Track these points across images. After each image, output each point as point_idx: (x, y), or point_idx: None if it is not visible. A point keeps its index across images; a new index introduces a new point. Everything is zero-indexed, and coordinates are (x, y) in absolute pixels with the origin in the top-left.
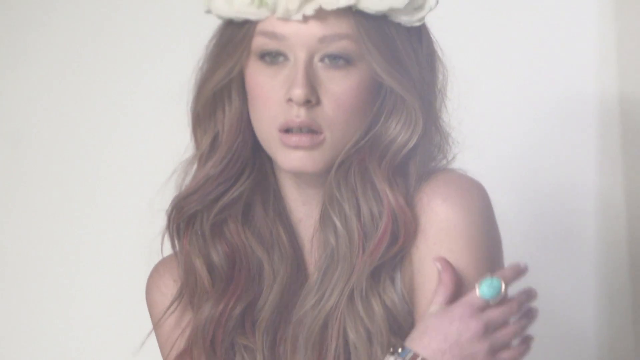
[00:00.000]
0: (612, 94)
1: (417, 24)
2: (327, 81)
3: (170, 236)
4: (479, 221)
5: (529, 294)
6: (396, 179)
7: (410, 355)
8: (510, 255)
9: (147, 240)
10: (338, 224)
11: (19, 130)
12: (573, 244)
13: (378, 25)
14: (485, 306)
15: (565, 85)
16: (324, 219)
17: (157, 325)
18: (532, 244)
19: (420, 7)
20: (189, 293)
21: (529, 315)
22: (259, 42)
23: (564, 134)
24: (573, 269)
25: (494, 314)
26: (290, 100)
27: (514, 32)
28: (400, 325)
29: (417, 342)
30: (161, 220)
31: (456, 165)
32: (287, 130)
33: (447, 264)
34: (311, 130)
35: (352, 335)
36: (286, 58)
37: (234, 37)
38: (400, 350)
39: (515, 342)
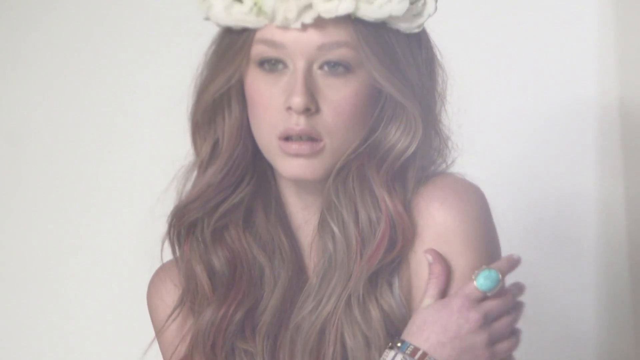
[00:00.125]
0: (612, 98)
1: (416, 30)
2: (326, 89)
3: (171, 243)
4: (476, 224)
5: (520, 288)
6: (395, 185)
7: (410, 349)
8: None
9: (148, 245)
10: (336, 230)
11: (19, 131)
12: (573, 249)
13: (377, 33)
14: (482, 298)
15: (565, 90)
16: (323, 225)
17: (159, 332)
18: (532, 249)
19: (419, 14)
20: (190, 299)
21: (518, 308)
22: (258, 50)
23: (564, 139)
24: (573, 274)
25: (492, 305)
26: (289, 108)
27: (513, 36)
28: (398, 329)
29: (417, 335)
30: (162, 226)
31: (456, 170)
32: (286, 138)
33: (438, 255)
34: (311, 138)
35: (349, 341)
36: (285, 65)
37: (233, 45)
38: (399, 344)
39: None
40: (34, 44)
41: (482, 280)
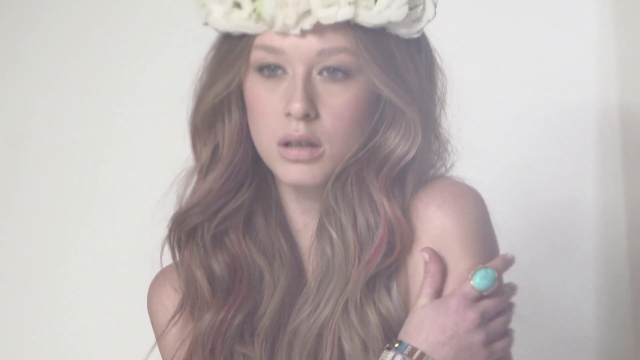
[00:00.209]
0: (613, 103)
1: (416, 35)
2: (326, 94)
3: (171, 247)
4: (475, 227)
5: (512, 288)
6: (393, 190)
7: (408, 349)
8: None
9: (148, 249)
10: (334, 234)
11: (18, 132)
12: (573, 253)
13: (376, 38)
14: (479, 297)
15: (566, 94)
16: (321, 230)
17: (159, 336)
18: (532, 253)
19: (418, 19)
20: (190, 303)
21: (510, 308)
22: (257, 56)
23: (564, 143)
24: (573, 277)
25: (489, 304)
26: (289, 114)
27: (513, 40)
28: (396, 333)
29: (415, 335)
30: (162, 230)
31: (456, 173)
32: (286, 143)
33: (434, 254)
34: (310, 143)
35: (347, 345)
36: (284, 71)
37: (232, 51)
38: (397, 345)
39: None
40: (34, 45)
41: (479, 280)
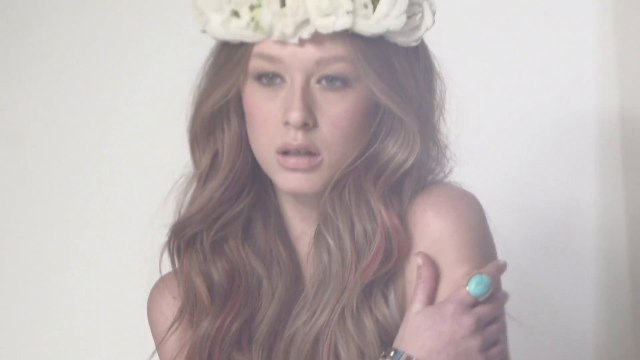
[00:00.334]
0: (612, 110)
1: (414, 44)
2: (324, 103)
3: (170, 255)
4: (471, 233)
5: (505, 295)
6: (391, 198)
7: (403, 357)
8: (508, 272)
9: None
10: (331, 242)
11: (19, 135)
12: (573, 259)
13: (375, 47)
14: (475, 303)
15: (565, 102)
16: (318, 237)
17: (159, 343)
18: (532, 259)
19: (416, 28)
20: (189, 311)
21: (504, 314)
22: (256, 64)
23: (563, 150)
24: (573, 283)
25: (484, 310)
26: (287, 123)
27: (512, 46)
28: (392, 339)
29: (410, 343)
30: (161, 236)
31: (455, 180)
32: (284, 152)
33: (427, 258)
34: (309, 152)
35: (343, 352)
36: (283, 80)
37: (231, 59)
38: (392, 353)
39: None
40: (35, 49)
41: (474, 286)
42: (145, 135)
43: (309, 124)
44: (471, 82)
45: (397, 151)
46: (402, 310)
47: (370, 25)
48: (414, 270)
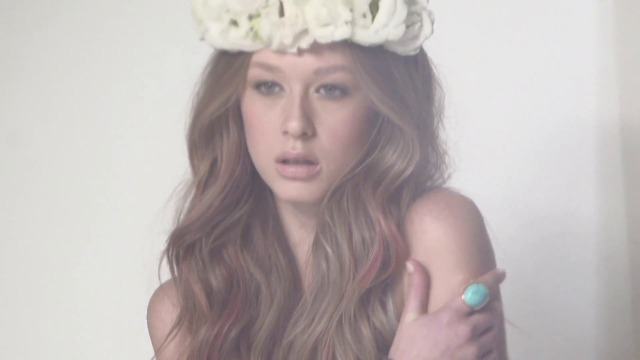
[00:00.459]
0: (613, 117)
1: (413, 53)
2: (323, 112)
3: (170, 262)
4: (469, 240)
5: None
6: (390, 206)
7: None
8: (508, 279)
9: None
10: (329, 250)
11: (19, 134)
12: (573, 266)
13: (374, 56)
14: (471, 311)
15: (565, 108)
16: (317, 245)
17: (158, 351)
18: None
19: (415, 37)
20: (188, 318)
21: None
22: (255, 73)
23: (563, 159)
24: (573, 290)
25: (480, 319)
26: (286, 132)
27: (512, 53)
28: (390, 346)
29: (406, 353)
30: (160, 243)
31: (455, 186)
32: (283, 161)
33: (418, 265)
34: (307, 161)
35: None
36: (282, 88)
37: (230, 67)
38: None
39: None
40: (35, 45)
41: (471, 295)
42: (145, 141)
43: (307, 133)
44: (470, 89)
45: (396, 160)
46: (400, 317)
47: (369, 35)
48: None
